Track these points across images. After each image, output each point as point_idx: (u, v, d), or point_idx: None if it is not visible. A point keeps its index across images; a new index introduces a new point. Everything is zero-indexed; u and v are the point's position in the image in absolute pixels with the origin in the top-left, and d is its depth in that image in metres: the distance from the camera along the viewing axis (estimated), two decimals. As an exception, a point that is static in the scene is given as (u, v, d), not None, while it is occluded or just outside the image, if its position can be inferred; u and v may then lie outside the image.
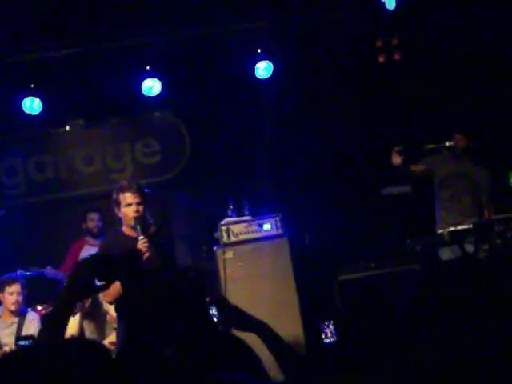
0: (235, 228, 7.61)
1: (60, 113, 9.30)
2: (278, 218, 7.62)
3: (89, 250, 8.23)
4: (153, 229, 5.82)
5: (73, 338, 5.35)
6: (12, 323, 7.37)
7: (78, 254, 8.45)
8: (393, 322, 1.92)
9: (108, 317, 7.62)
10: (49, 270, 8.21)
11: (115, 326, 6.31)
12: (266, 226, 7.61)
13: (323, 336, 6.43)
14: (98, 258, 2.89)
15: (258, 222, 7.63)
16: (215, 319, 3.28)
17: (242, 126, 9.41)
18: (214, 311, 3.23)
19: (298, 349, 6.83)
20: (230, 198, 8.00)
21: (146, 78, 8.90)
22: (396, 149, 7.47)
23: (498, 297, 1.76)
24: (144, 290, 5.23)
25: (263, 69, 9.03)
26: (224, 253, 7.52)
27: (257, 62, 9.02)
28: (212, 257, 7.69)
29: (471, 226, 6.81)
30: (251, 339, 2.72)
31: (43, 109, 8.83)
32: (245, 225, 7.63)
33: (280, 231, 7.60)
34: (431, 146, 7.61)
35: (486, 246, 6.49)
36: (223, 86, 9.22)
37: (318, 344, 6.72)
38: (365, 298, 7.51)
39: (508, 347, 1.70)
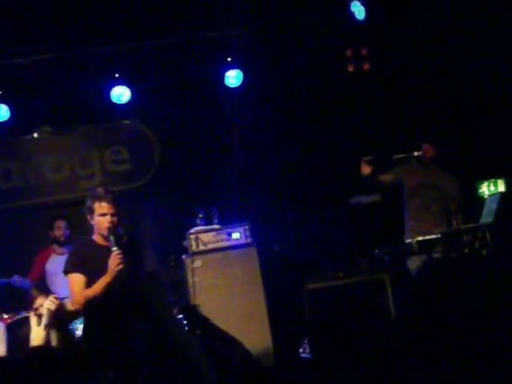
0: (204, 237, 7.59)
1: (28, 120, 9.20)
2: (246, 227, 7.63)
3: (55, 259, 8.15)
4: (124, 238, 5.78)
5: (36, 347, 5.28)
6: (-22, 332, 7.27)
7: (44, 263, 8.37)
8: (362, 331, 1.93)
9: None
10: (16, 279, 8.12)
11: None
12: (235, 235, 7.61)
13: (301, 350, 6.48)
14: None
15: (226, 230, 7.63)
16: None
17: (211, 134, 9.40)
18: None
19: (266, 358, 6.83)
20: (199, 207, 7.98)
21: (115, 86, 8.86)
22: (365, 159, 7.52)
23: (467, 303, 1.77)
24: (112, 296, 5.23)
25: (233, 77, 9.05)
26: (193, 261, 7.50)
27: (227, 71, 9.03)
28: (181, 265, 7.66)
29: (440, 235, 6.84)
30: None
31: (11, 116, 8.76)
32: (214, 233, 7.62)
33: (249, 240, 7.60)
34: (400, 155, 7.67)
35: (454, 255, 6.52)
36: (193, 94, 9.22)
37: (291, 356, 6.76)
38: (333, 306, 7.52)
39: (477, 351, 1.71)
